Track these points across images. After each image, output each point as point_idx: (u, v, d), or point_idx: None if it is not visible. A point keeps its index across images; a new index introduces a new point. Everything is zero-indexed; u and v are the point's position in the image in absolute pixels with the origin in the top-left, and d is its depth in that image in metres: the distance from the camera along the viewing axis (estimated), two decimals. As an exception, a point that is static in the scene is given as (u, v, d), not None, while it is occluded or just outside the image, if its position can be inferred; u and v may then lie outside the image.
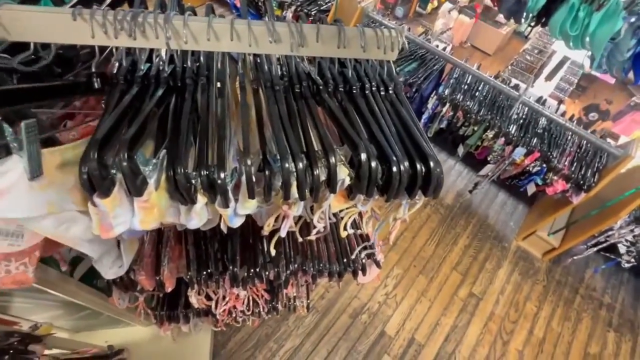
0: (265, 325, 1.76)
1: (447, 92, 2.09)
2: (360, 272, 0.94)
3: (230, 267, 0.82)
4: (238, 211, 0.49)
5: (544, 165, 1.92)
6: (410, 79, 2.18)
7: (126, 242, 0.57)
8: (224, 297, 0.97)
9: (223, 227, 0.52)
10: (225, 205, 0.46)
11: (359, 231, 0.91)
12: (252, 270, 0.85)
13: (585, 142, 1.91)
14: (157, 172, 0.40)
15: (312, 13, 2.42)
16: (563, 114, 2.12)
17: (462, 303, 2.01)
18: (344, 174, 0.48)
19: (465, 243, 2.29)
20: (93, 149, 0.36)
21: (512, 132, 1.95)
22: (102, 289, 1.13)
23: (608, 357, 1.97)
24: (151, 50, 0.53)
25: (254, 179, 0.44)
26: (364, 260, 0.93)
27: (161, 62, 0.53)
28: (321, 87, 0.54)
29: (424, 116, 2.25)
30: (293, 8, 2.63)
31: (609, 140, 2.61)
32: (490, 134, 2.02)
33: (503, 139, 1.98)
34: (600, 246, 2.05)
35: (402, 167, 0.46)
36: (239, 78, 0.56)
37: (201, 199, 0.45)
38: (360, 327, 1.83)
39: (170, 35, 0.46)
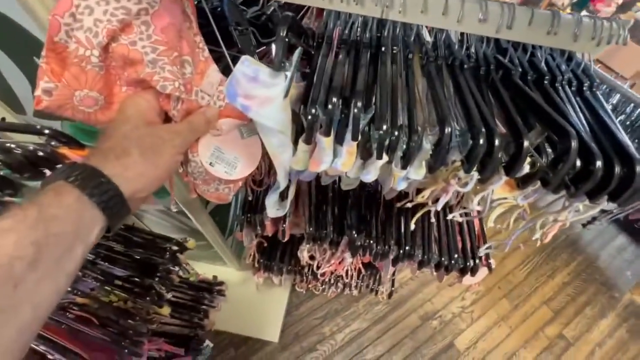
0: (336, 301, 1.83)
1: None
2: (469, 273, 0.92)
3: (348, 232, 0.88)
4: (409, 175, 0.52)
5: (698, 214, 1.59)
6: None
7: (293, 186, 0.65)
8: (328, 260, 1.05)
9: (387, 190, 0.56)
10: (404, 167, 0.50)
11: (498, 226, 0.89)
12: (367, 241, 0.89)
13: None
14: (364, 121, 0.45)
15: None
16: None
17: (549, 342, 1.82)
18: (525, 161, 0.48)
19: (564, 280, 2.04)
20: (325, 92, 0.43)
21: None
22: (219, 226, 1.31)
23: None
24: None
25: (440, 149, 0.47)
26: (477, 261, 0.91)
27: (358, 29, 0.58)
28: (513, 72, 0.53)
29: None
30: None
31: None
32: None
33: None
34: None
35: (598, 164, 0.44)
36: (423, 53, 0.59)
37: (385, 157, 0.49)
38: (429, 332, 1.78)
39: (388, 5, 0.50)
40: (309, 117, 0.44)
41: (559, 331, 1.86)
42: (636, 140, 1.72)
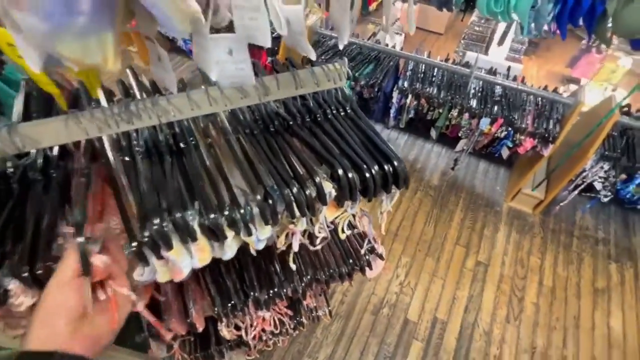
0: (295, 343, 1.82)
1: (406, 84, 2.24)
2: (367, 268, 1.03)
3: (252, 293, 0.90)
4: (259, 236, 0.58)
5: (510, 128, 2.06)
6: (370, 80, 2.31)
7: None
8: (251, 324, 1.05)
9: (253, 252, 0.61)
10: (249, 234, 0.55)
11: (356, 230, 1.01)
12: (271, 291, 0.93)
13: (540, 98, 2.07)
14: (196, 220, 0.50)
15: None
16: (514, 78, 2.28)
17: (472, 273, 2.12)
18: (329, 188, 0.58)
19: (461, 217, 2.41)
20: (149, 216, 0.46)
21: (473, 106, 2.10)
22: (139, 345, 1.19)
23: (615, 287, 2.09)
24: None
25: (265, 209, 0.54)
26: (367, 257, 1.02)
27: (150, 133, 0.63)
28: (291, 122, 0.64)
29: (392, 110, 2.39)
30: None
31: (571, 85, 2.74)
32: (454, 112, 2.16)
33: (467, 114, 2.12)
34: (579, 188, 2.19)
35: (373, 172, 0.57)
36: (222, 131, 0.66)
37: (229, 234, 0.54)
38: (384, 321, 1.90)
39: (161, 114, 0.55)
40: (145, 240, 0.46)
41: (475, 260, 2.18)
42: (448, 94, 2.14)
